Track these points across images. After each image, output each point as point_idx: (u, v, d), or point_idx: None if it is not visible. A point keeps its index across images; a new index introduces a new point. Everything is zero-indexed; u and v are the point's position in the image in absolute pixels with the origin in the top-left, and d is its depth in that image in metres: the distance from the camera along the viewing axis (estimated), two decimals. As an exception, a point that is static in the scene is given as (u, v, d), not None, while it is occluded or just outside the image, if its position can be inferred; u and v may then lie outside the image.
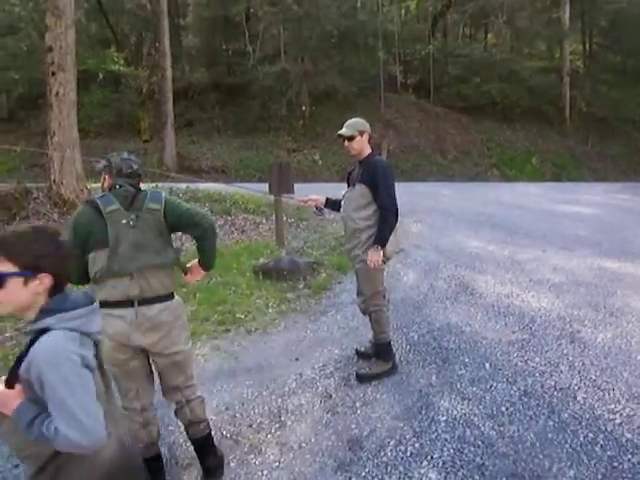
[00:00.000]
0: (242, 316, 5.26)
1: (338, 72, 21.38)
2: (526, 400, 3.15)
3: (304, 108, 21.38)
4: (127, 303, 2.51)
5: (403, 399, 3.36)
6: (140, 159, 2.87)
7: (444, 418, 3.06)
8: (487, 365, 3.62)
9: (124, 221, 2.52)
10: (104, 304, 2.54)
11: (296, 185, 7.47)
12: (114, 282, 2.52)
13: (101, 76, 20.32)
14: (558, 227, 7.96)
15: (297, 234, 8.40)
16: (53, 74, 9.38)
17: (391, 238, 3.59)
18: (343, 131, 3.66)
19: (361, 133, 3.64)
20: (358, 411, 3.29)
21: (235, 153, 19.87)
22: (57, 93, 9.42)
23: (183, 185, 10.65)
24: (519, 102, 22.25)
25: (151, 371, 2.76)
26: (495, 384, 3.37)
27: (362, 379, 3.69)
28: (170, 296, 2.65)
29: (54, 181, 9.39)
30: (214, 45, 25.52)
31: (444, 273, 5.76)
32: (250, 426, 3.28)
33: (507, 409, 3.08)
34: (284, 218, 8.33)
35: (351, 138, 3.64)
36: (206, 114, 22.59)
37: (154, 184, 10.25)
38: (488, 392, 3.29)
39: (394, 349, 3.93)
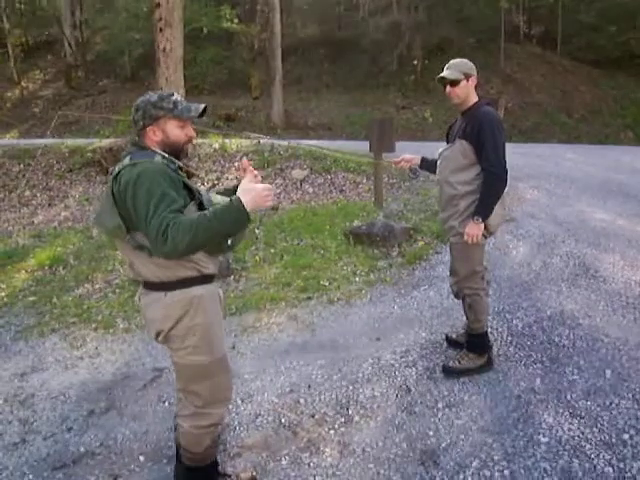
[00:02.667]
0: (326, 283, 4.91)
1: (454, 22, 19.77)
2: (660, 428, 2.42)
3: (416, 62, 20.16)
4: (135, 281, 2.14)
5: (496, 405, 2.76)
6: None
7: (545, 439, 2.43)
8: (608, 372, 2.88)
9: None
10: None
11: (403, 143, 6.84)
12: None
13: (207, 31, 20.43)
14: None
15: (398, 196, 7.79)
16: (161, 30, 9.60)
17: (497, 209, 2.92)
18: (445, 73, 2.96)
19: (467, 77, 2.94)
20: (439, 414, 2.76)
21: (342, 110, 19.40)
22: (164, 49, 9.64)
23: (284, 142, 10.41)
24: (664, 55, 19.19)
25: None
26: (617, 400, 2.64)
27: (449, 373, 3.14)
28: (164, 287, 1.99)
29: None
30: (325, -2, 24.76)
31: (561, 249, 4.92)
32: (312, 416, 2.89)
33: (631, 438, 2.37)
34: (385, 178, 7.77)
35: (454, 82, 2.94)
36: (315, 70, 22.22)
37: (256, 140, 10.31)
38: (607, 410, 2.58)
39: (492, 339, 3.32)
